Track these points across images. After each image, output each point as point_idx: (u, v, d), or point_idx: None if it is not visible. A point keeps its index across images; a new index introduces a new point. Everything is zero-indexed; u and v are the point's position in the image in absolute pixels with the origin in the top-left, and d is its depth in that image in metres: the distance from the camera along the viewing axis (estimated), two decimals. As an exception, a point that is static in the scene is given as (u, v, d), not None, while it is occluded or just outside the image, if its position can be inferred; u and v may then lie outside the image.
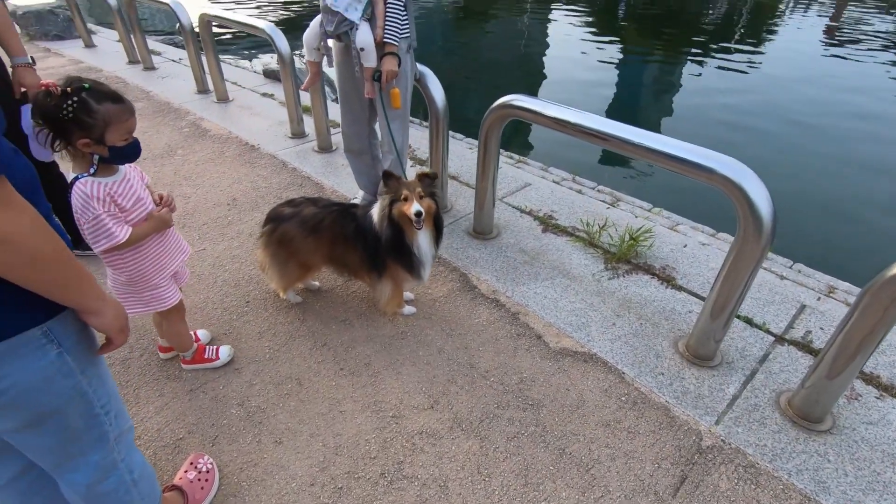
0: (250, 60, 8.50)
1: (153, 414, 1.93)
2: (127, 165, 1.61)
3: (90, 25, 7.60)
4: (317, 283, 2.58)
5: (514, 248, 2.88)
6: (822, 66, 9.55)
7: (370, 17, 2.49)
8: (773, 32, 12.80)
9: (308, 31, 2.66)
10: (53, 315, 0.96)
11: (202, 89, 5.27)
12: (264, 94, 5.27)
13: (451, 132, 4.63)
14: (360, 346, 2.23)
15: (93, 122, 1.38)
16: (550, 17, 14.22)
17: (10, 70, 2.24)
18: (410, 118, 3.11)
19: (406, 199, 1.99)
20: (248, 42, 9.77)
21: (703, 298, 2.51)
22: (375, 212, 2.11)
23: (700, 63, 9.53)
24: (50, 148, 1.41)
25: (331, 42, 2.68)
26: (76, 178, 1.47)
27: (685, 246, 2.95)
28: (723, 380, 2.06)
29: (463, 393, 2.02)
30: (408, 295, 2.48)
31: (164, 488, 1.56)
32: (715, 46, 10.71)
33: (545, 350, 2.21)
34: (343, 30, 2.50)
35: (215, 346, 2.14)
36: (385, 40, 2.49)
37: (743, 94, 7.84)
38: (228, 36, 9.96)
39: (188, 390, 2.02)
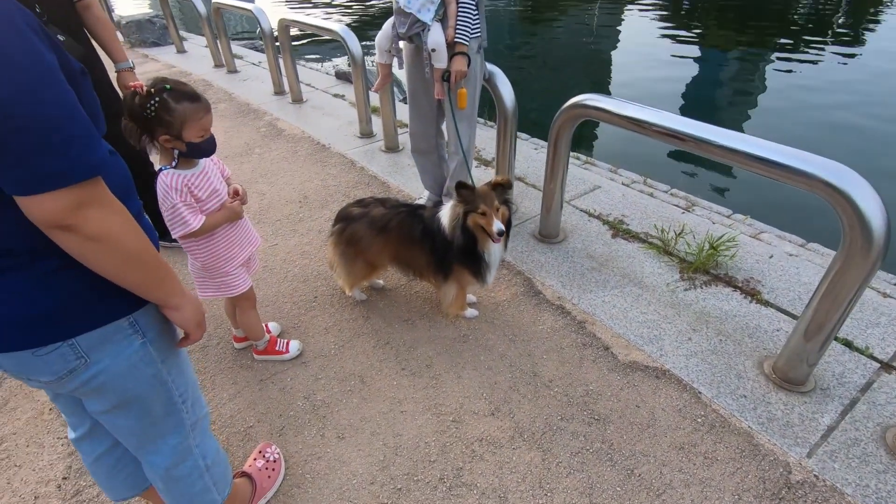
0: (322, 63, 8.83)
1: (227, 401, 2.03)
2: (206, 159, 1.73)
3: (182, 33, 8.19)
4: (381, 282, 2.61)
5: (582, 253, 2.77)
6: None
7: (442, 18, 2.49)
8: (875, 24, 11.56)
9: (380, 33, 2.69)
10: (139, 306, 1.02)
11: (279, 91, 5.52)
12: (335, 95, 5.44)
13: (521, 133, 4.56)
14: (422, 347, 2.23)
15: (171, 119, 1.50)
16: (622, 11, 13.68)
17: (114, 75, 2.44)
18: (477, 118, 3.08)
19: (484, 214, 1.96)
20: (323, 46, 10.15)
21: (792, 315, 2.29)
22: (444, 215, 2.10)
23: (788, 59, 8.77)
24: (138, 144, 1.55)
25: (402, 44, 2.70)
26: (160, 170, 1.61)
27: (771, 257, 2.71)
28: (816, 408, 1.86)
29: (525, 402, 1.96)
30: (470, 298, 2.46)
31: (234, 474, 1.62)
32: (808, 40, 9.83)
33: (613, 362, 2.11)
34: (415, 31, 2.51)
35: (286, 340, 2.22)
36: (456, 40, 2.48)
37: (839, 93, 7.13)
38: (304, 41, 10.40)
39: (259, 380, 2.11)
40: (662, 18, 12.51)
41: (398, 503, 1.65)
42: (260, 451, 1.76)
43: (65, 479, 1.78)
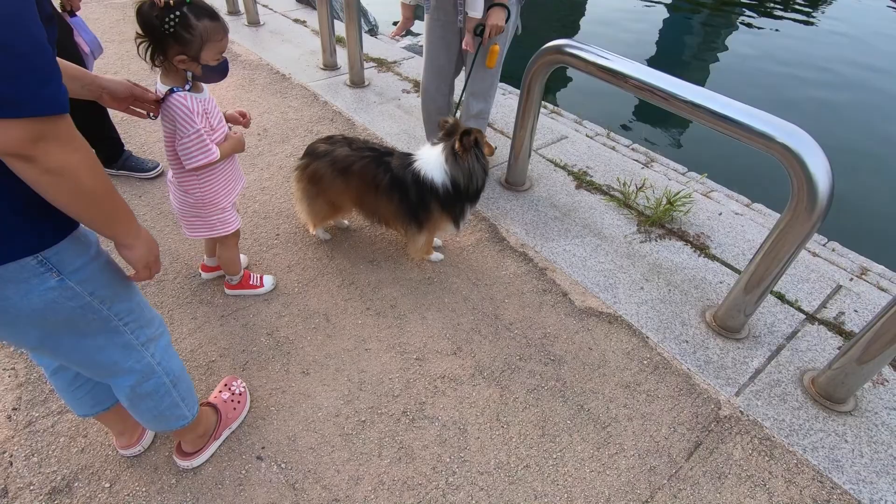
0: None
1: (186, 335, 2.00)
2: (207, 90, 1.63)
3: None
4: (346, 222, 2.57)
5: (546, 202, 2.83)
6: (887, 29, 8.83)
7: None
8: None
9: None
10: (49, 245, 0.96)
11: (232, 10, 5.09)
12: (296, 21, 5.07)
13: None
14: (386, 288, 2.25)
15: (191, 37, 1.39)
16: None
17: None
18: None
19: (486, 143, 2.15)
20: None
21: (735, 270, 2.46)
22: (435, 167, 2.04)
23: (749, 25, 8.87)
24: (150, 61, 1.43)
25: None
26: (171, 91, 1.48)
27: (720, 214, 2.86)
28: (747, 353, 2.05)
29: (486, 342, 2.05)
30: (436, 241, 2.47)
31: (201, 402, 1.63)
32: (770, 7, 9.94)
33: (570, 308, 2.21)
34: None
35: (259, 274, 2.20)
36: None
37: (795, 60, 7.34)
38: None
39: (220, 316, 2.08)
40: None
41: (362, 434, 1.72)
42: (225, 384, 1.77)
43: (14, 409, 1.73)
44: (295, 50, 4.44)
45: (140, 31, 1.38)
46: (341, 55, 4.09)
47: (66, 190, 0.86)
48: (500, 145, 3.28)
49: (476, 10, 2.27)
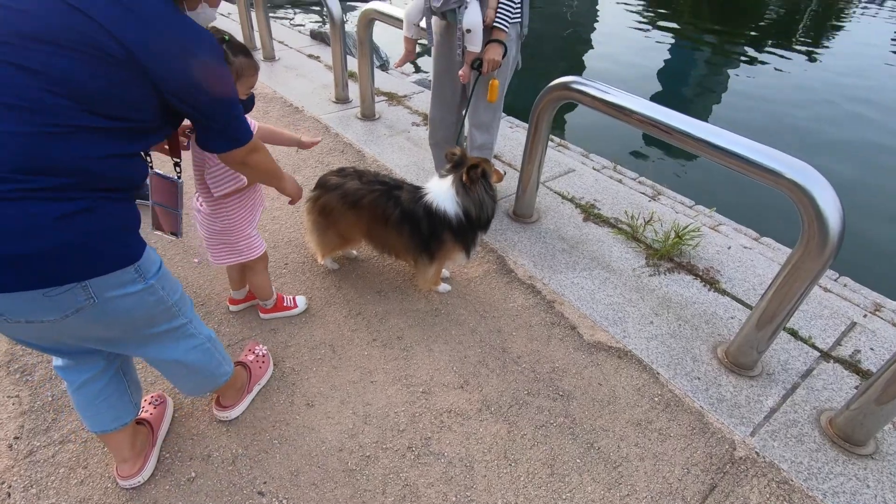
0: (292, 20, 8.44)
1: (192, 364, 1.98)
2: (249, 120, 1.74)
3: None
4: (355, 252, 2.58)
5: (554, 234, 2.83)
6: (890, 74, 8.96)
7: None
8: (838, 31, 12.04)
9: (411, 4, 2.48)
10: (140, 257, 1.16)
11: (250, 46, 5.24)
12: (310, 56, 5.23)
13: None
14: (393, 319, 2.24)
15: None
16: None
17: None
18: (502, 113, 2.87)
19: (495, 173, 2.19)
20: (299, 4, 9.68)
21: (747, 305, 2.42)
22: (446, 199, 2.06)
23: (752, 60, 9.04)
24: None
25: (433, 21, 2.48)
26: None
27: (729, 248, 2.85)
28: (762, 391, 2.00)
29: (493, 376, 2.01)
30: (445, 273, 2.47)
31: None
32: (773, 43, 10.15)
33: (579, 342, 2.18)
34: (451, 7, 2.27)
35: (292, 296, 2.23)
36: (495, 24, 2.28)
37: (796, 96, 7.44)
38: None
39: (225, 346, 2.07)
40: (641, 9, 12.58)
41: (366, 469, 1.68)
42: (249, 349, 1.97)
43: (16, 438, 1.71)
44: (308, 84, 4.56)
45: None
46: (353, 89, 4.19)
47: (260, 174, 1.50)
48: (507, 177, 3.31)
49: (475, 45, 2.33)
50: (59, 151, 0.98)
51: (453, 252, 2.15)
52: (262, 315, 2.19)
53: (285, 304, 2.20)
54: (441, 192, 2.07)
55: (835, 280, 2.87)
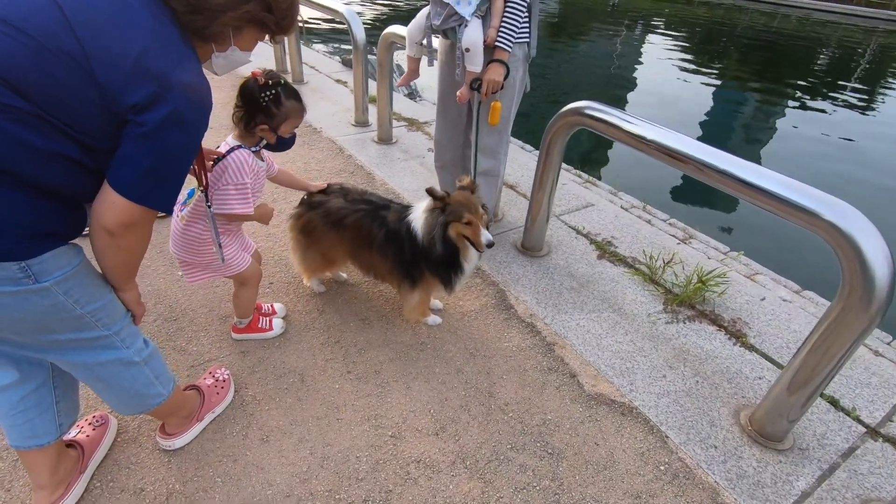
0: (328, 48, 8.70)
1: (149, 384, 1.84)
2: (269, 159, 1.83)
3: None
4: (345, 276, 2.43)
5: (563, 271, 2.60)
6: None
7: (484, 14, 2.15)
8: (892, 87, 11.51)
9: (413, 23, 2.40)
10: (33, 256, 1.01)
11: (280, 69, 5.36)
12: (338, 81, 5.28)
13: (516, 140, 4.41)
14: (373, 350, 2.05)
15: (277, 112, 1.58)
16: (647, 40, 13.64)
17: None
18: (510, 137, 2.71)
19: (470, 224, 1.82)
20: (338, 34, 10.03)
21: (778, 364, 2.11)
22: (418, 221, 1.90)
23: (803, 107, 8.67)
24: (237, 124, 1.63)
25: (436, 40, 2.39)
26: (239, 146, 1.63)
27: (763, 299, 2.54)
28: (792, 469, 1.68)
29: (475, 424, 1.78)
30: (436, 303, 2.28)
31: (185, 387, 1.73)
32: (825, 92, 9.75)
33: (578, 392, 1.93)
34: (451, 25, 2.17)
35: (269, 317, 2.10)
36: (497, 44, 2.15)
37: (848, 146, 7.01)
38: (324, 25, 10.28)
39: (190, 365, 1.92)
40: (685, 51, 12.45)
41: (312, 523, 1.46)
42: (210, 372, 1.82)
43: (-51, 449, 1.58)
44: (331, 107, 4.57)
45: (238, 101, 1.59)
46: (374, 113, 4.15)
47: (118, 255, 1.14)
48: (517, 208, 3.13)
49: (474, 64, 2.20)
50: None
51: (432, 282, 1.96)
52: (234, 335, 2.04)
53: (260, 326, 2.05)
54: (416, 215, 1.91)
55: (888, 344, 2.51)
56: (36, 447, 1.33)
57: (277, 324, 2.08)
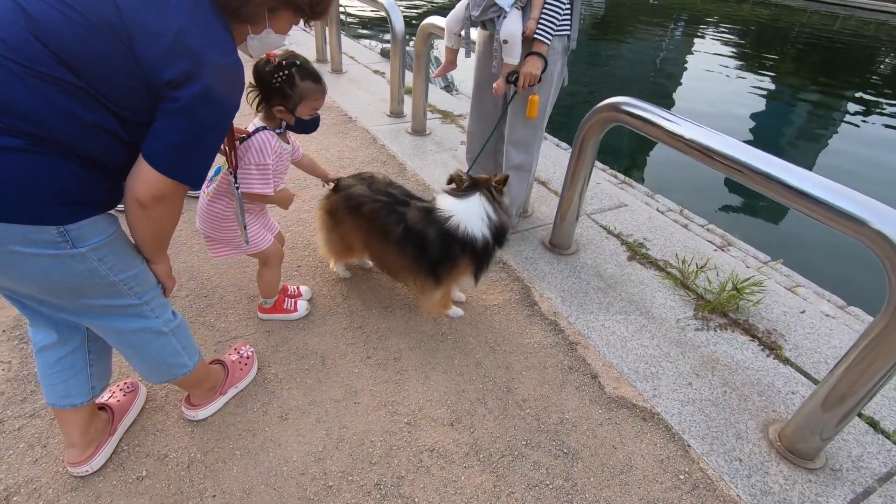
0: (370, 41, 8.77)
1: (178, 356, 1.90)
2: (292, 147, 1.83)
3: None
4: (370, 263, 2.45)
5: (591, 270, 2.55)
6: None
7: (525, 6, 2.12)
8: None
9: (452, 13, 2.38)
10: (72, 221, 1.06)
11: (321, 58, 5.45)
12: (375, 71, 5.32)
13: (551, 136, 4.34)
14: (394, 338, 2.06)
15: (291, 93, 1.58)
16: (696, 40, 13.19)
17: None
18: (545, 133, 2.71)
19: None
20: (380, 25, 10.10)
21: (814, 380, 2.01)
22: (473, 215, 1.90)
23: (866, 112, 8.20)
24: (255, 108, 1.64)
25: (474, 31, 2.37)
26: (264, 128, 1.65)
27: (803, 312, 2.42)
28: (822, 490, 1.60)
29: (491, 418, 1.77)
30: (459, 296, 2.27)
31: (210, 361, 1.76)
32: (889, 95, 9.20)
33: (598, 394, 1.89)
34: (490, 16, 2.15)
35: (294, 299, 2.14)
36: (535, 36, 2.11)
37: (914, 152, 6.59)
38: (369, 15, 10.38)
39: (217, 341, 1.98)
40: (737, 54, 11.97)
41: (325, 501, 1.48)
42: (235, 349, 1.87)
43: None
44: (368, 97, 4.61)
45: (252, 83, 1.57)
46: (409, 104, 4.16)
47: (148, 227, 1.18)
48: (547, 204, 3.08)
49: (512, 56, 2.16)
50: (21, 89, 0.93)
51: (464, 276, 1.96)
52: (259, 315, 2.09)
53: (285, 307, 2.09)
54: (467, 213, 1.89)
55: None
56: (69, 406, 1.40)
57: (302, 306, 2.12)
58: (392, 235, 1.92)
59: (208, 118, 1.07)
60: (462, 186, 1.96)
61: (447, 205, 1.92)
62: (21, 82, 0.93)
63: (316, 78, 1.62)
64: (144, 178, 1.07)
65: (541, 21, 2.10)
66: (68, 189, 1.03)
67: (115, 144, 1.06)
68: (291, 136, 1.84)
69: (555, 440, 1.71)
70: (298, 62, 1.57)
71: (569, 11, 2.17)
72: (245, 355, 1.85)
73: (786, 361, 2.09)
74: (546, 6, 2.09)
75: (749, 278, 2.41)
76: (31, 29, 0.92)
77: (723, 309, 2.32)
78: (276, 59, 1.54)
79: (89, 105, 0.99)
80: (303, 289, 2.22)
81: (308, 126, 1.75)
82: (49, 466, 1.51)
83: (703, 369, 2.02)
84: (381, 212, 1.94)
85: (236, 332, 2.03)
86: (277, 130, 1.68)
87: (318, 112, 1.74)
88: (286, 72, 1.54)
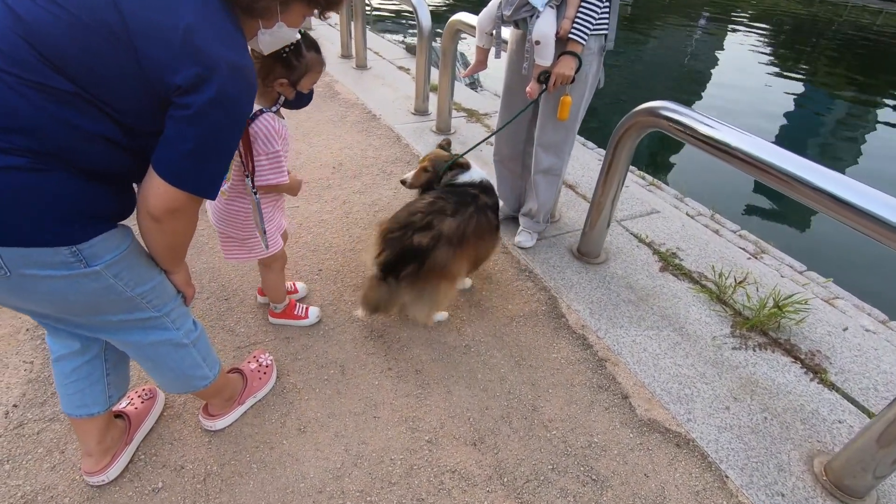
0: (396, 35, 8.68)
1: (197, 361, 1.87)
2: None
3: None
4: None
5: (621, 281, 2.44)
6: None
7: (559, 4, 2.02)
8: None
9: (483, 12, 2.29)
10: (85, 240, 1.01)
11: (345, 54, 5.40)
12: (400, 68, 5.25)
13: (578, 136, 4.21)
14: (416, 348, 2.00)
15: (298, 65, 1.47)
16: (726, 35, 12.76)
17: None
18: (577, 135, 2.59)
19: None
20: (406, 20, 10.02)
21: (862, 408, 1.88)
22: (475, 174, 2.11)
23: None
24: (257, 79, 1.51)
25: (506, 31, 2.28)
26: (261, 111, 1.51)
27: (846, 329, 2.28)
28: (873, 532, 1.49)
29: (515, 438, 1.69)
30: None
31: (229, 369, 1.73)
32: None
33: (629, 416, 1.79)
34: (522, 16, 2.06)
35: (305, 305, 2.09)
36: (570, 35, 2.00)
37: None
38: (389, 11, 10.30)
39: (237, 346, 1.95)
40: (769, 52, 11.54)
41: (342, 523, 1.43)
42: (254, 356, 1.82)
43: (15, 406, 1.68)
44: (392, 94, 4.54)
45: (254, 52, 1.42)
46: (434, 102, 4.08)
47: (163, 240, 1.13)
48: (576, 210, 2.98)
49: (544, 58, 2.05)
50: (15, 101, 0.87)
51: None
52: (270, 319, 2.05)
53: (296, 313, 2.04)
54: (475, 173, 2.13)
55: None
56: (86, 416, 1.38)
57: (313, 312, 2.07)
58: (483, 224, 1.98)
59: (222, 123, 0.99)
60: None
61: (474, 173, 2.12)
62: (15, 93, 0.87)
63: (318, 48, 1.52)
64: (156, 190, 1.00)
65: (577, 19, 1.99)
66: (77, 206, 0.98)
67: (119, 154, 1.00)
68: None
69: (583, 465, 1.62)
70: (302, 31, 1.44)
71: (607, 9, 2.06)
72: (264, 364, 1.81)
73: (831, 386, 1.96)
74: (583, 4, 1.99)
75: (792, 295, 2.28)
76: (18, 30, 0.86)
77: (762, 327, 2.20)
78: None
79: (87, 113, 0.92)
80: (299, 285, 2.20)
81: (303, 101, 1.65)
82: (66, 474, 1.49)
83: (741, 392, 1.91)
84: (478, 216, 1.95)
85: (256, 337, 1.99)
86: (273, 108, 1.55)
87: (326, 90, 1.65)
88: (293, 42, 1.41)
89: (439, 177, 2.13)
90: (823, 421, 1.82)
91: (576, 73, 2.08)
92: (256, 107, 1.50)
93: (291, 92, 1.53)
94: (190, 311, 1.36)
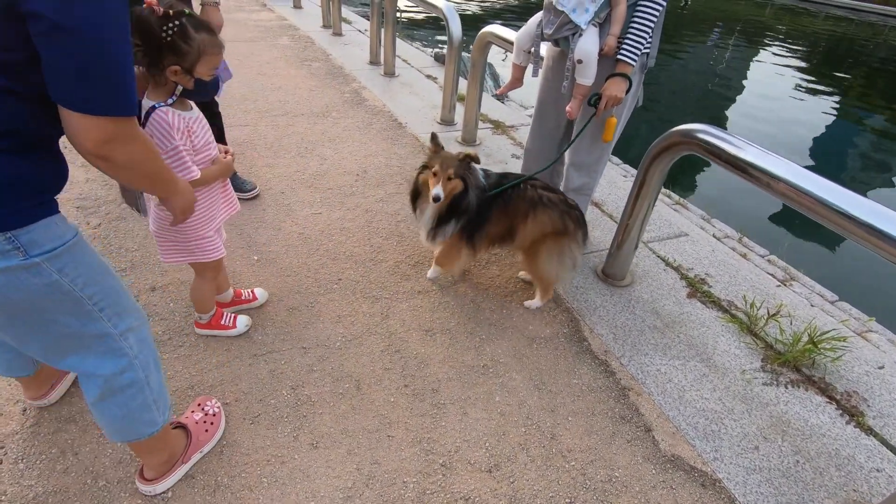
0: (424, 43, 8.71)
1: (213, 368, 1.86)
2: (197, 110, 1.56)
3: (303, -11, 8.36)
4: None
5: (647, 306, 2.37)
6: None
7: (602, 22, 1.96)
8: None
9: (523, 29, 2.25)
10: (21, 226, 0.93)
11: (374, 61, 5.42)
12: (428, 76, 5.24)
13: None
14: (433, 366, 1.96)
15: (188, 48, 1.33)
16: (756, 54, 12.53)
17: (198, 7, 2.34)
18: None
19: (435, 175, 1.98)
20: (436, 29, 10.06)
21: (902, 457, 1.78)
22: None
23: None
24: (142, 70, 1.37)
25: (544, 47, 2.23)
26: (153, 107, 1.40)
27: (881, 367, 2.17)
28: None
29: (533, 468, 1.63)
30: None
31: (172, 424, 1.52)
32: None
33: (652, 450, 1.72)
34: (564, 34, 2.00)
35: (233, 314, 2.01)
36: (620, 56, 1.95)
37: None
38: (424, 17, 10.36)
39: (252, 354, 1.93)
40: (801, 69, 11.29)
41: (351, 546, 1.39)
42: (199, 404, 1.64)
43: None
44: (419, 102, 4.53)
45: (136, 40, 1.29)
46: (461, 112, 4.06)
47: (133, 175, 1.05)
48: (603, 230, 2.91)
49: (585, 77, 2.00)
50: None
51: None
52: (196, 329, 1.97)
53: (223, 323, 1.96)
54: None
55: None
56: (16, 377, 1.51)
57: (242, 321, 1.98)
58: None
59: (90, 21, 0.79)
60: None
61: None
62: None
63: (210, 29, 1.39)
64: (74, 127, 0.86)
65: (628, 39, 1.93)
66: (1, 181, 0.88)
67: (13, 103, 0.86)
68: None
69: (602, 501, 1.56)
70: (188, 11, 1.33)
71: (654, 27, 2.00)
72: (211, 412, 1.62)
73: (869, 431, 1.86)
74: (635, 23, 1.91)
75: (829, 331, 2.17)
76: None
77: (796, 363, 2.10)
78: (160, 9, 1.28)
79: None
80: (258, 291, 2.14)
81: (210, 89, 1.54)
82: (79, 477, 1.48)
83: (771, 432, 1.82)
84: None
85: (273, 346, 1.97)
86: (169, 101, 1.43)
87: (217, 73, 1.48)
88: (176, 22, 1.29)
89: (491, 181, 2.18)
90: (860, 468, 1.72)
91: (627, 94, 2.03)
92: (149, 103, 1.41)
93: (189, 80, 1.40)
94: (150, 337, 1.27)
